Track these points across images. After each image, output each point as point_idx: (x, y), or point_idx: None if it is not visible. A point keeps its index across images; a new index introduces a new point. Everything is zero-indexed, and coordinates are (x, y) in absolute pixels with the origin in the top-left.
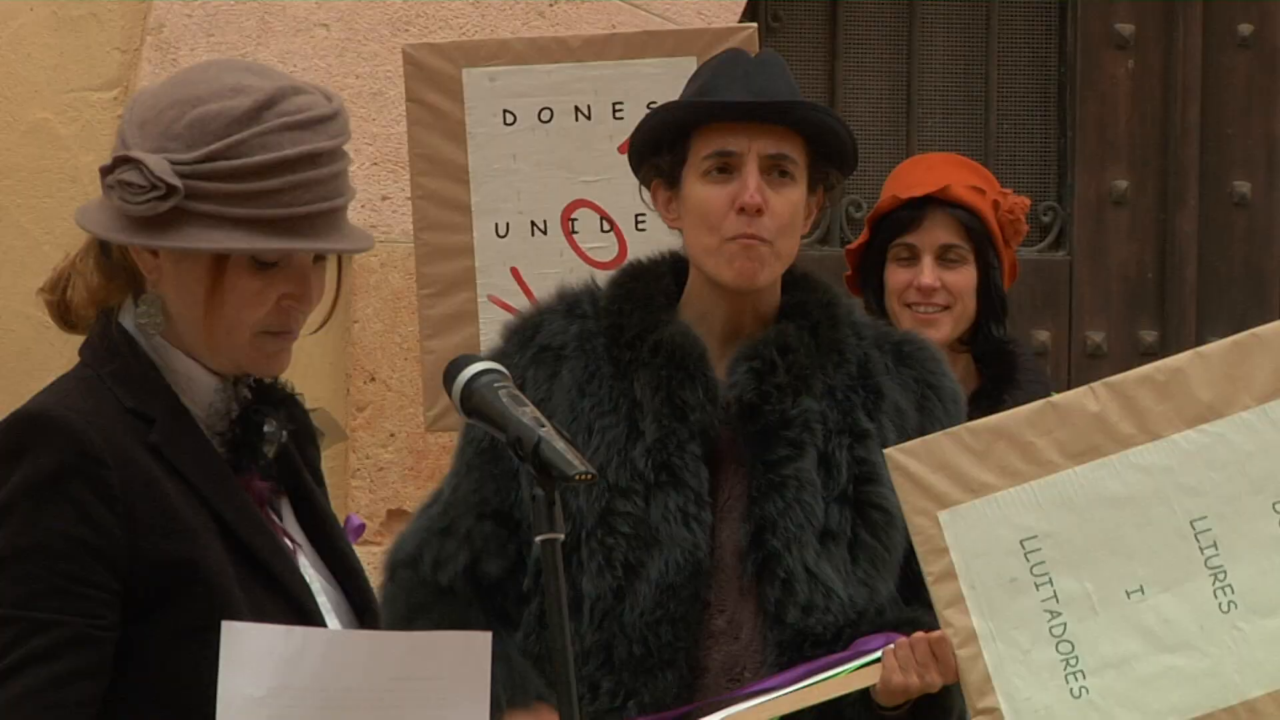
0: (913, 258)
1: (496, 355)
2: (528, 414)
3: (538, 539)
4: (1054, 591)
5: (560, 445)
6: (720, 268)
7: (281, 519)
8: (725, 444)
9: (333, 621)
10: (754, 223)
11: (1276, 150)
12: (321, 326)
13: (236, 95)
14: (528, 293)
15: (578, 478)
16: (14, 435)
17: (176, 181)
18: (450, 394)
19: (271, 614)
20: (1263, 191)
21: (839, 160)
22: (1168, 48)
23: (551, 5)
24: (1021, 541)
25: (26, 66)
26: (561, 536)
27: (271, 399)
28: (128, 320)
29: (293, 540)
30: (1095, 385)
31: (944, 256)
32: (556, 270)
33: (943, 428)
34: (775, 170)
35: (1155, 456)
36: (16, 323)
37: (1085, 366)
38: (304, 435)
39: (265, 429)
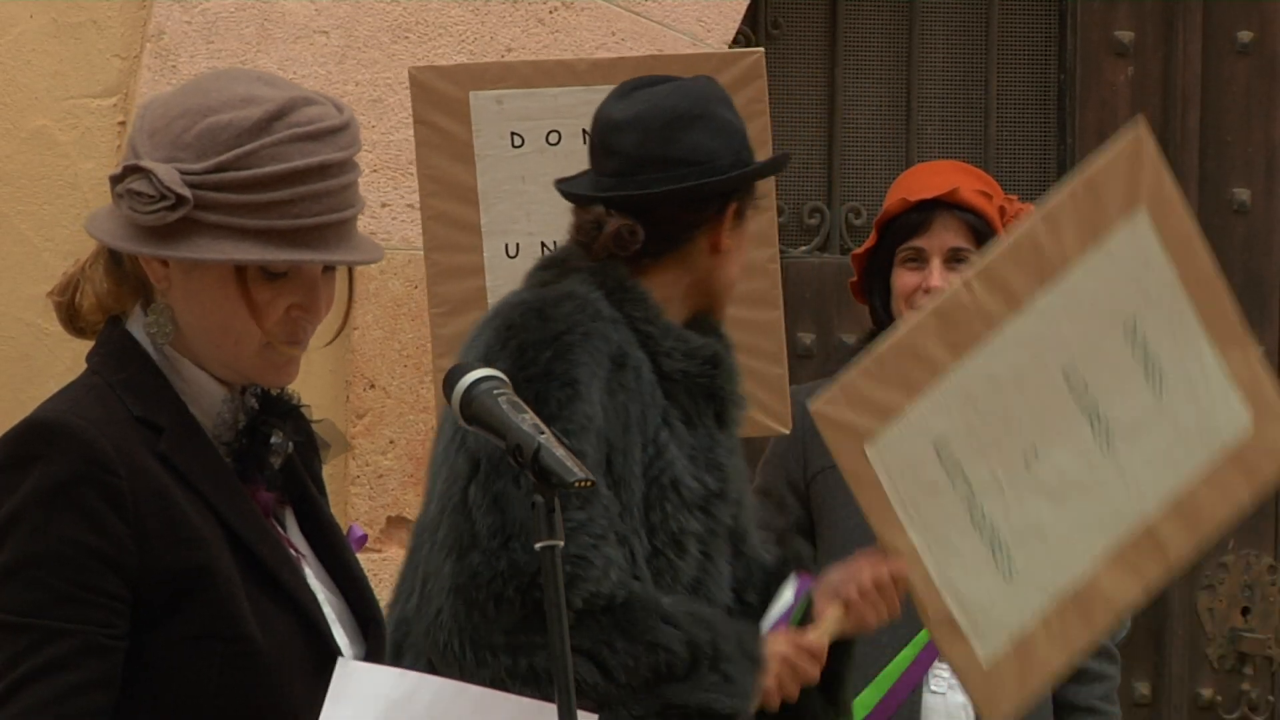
0: (921, 261)
1: (581, 371)
2: (527, 421)
3: (537, 545)
4: (968, 482)
5: (560, 452)
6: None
7: (286, 529)
8: None
9: (338, 632)
10: None
11: (1276, 157)
12: (335, 339)
13: (247, 105)
14: None
15: (576, 484)
16: (25, 442)
17: (186, 192)
18: (449, 401)
19: (278, 624)
20: (1262, 198)
21: None
22: (1167, 55)
23: (551, 12)
24: (935, 447)
25: (26, 73)
26: (561, 544)
27: (278, 410)
28: (136, 328)
29: (297, 550)
30: (969, 277)
31: (952, 260)
32: None
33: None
34: None
35: (1022, 326)
36: (16, 329)
37: None
38: (308, 446)
39: (272, 440)
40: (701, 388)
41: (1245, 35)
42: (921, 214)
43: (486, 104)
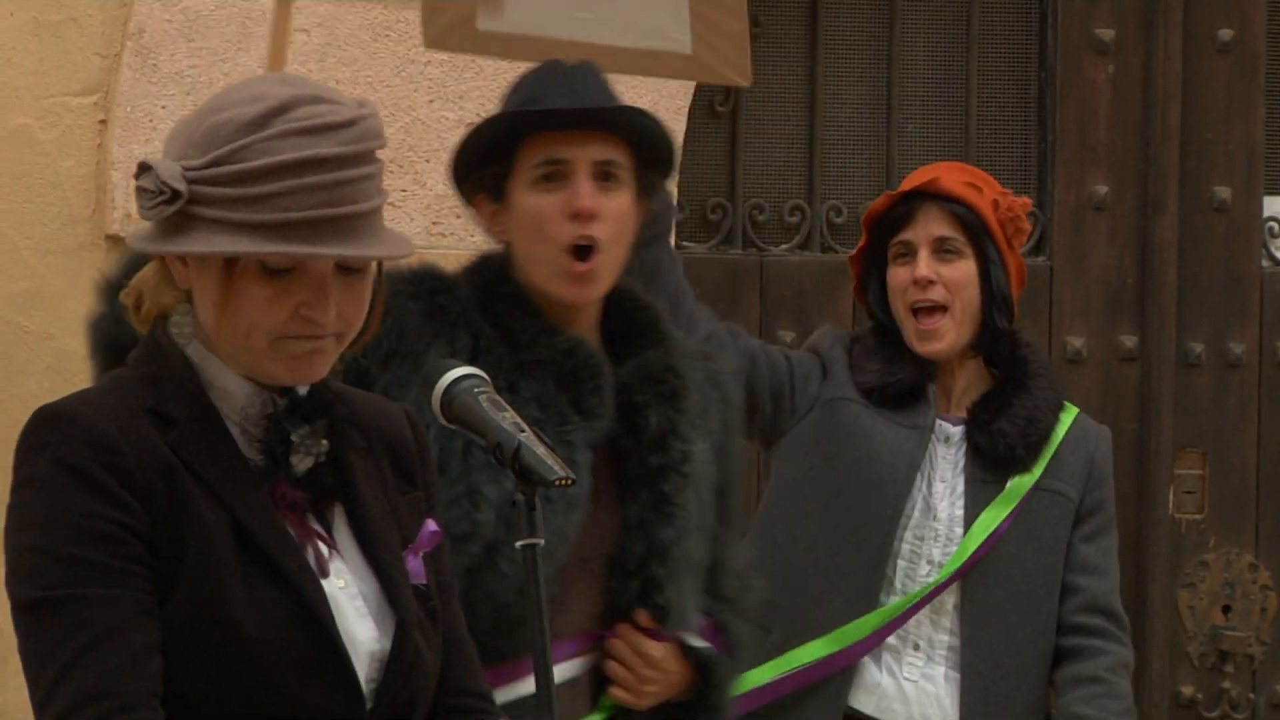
0: (910, 255)
1: (402, 284)
2: (508, 419)
3: (518, 544)
4: None
5: (540, 450)
6: (552, 281)
7: (332, 527)
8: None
9: (366, 625)
10: (588, 225)
11: (1256, 156)
12: (358, 342)
13: (253, 103)
14: None
15: (558, 482)
16: (33, 432)
17: (181, 186)
18: (430, 400)
19: (275, 614)
20: (1242, 197)
21: (662, 164)
22: (1148, 53)
23: None
24: None
25: (6, 72)
26: (541, 542)
27: (304, 409)
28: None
29: (331, 546)
30: None
31: (940, 249)
32: None
33: (731, 429)
34: (604, 176)
35: None
36: None
37: (1065, 371)
38: (368, 445)
39: (293, 438)
40: (547, 375)
41: (1226, 33)
42: (905, 206)
43: None
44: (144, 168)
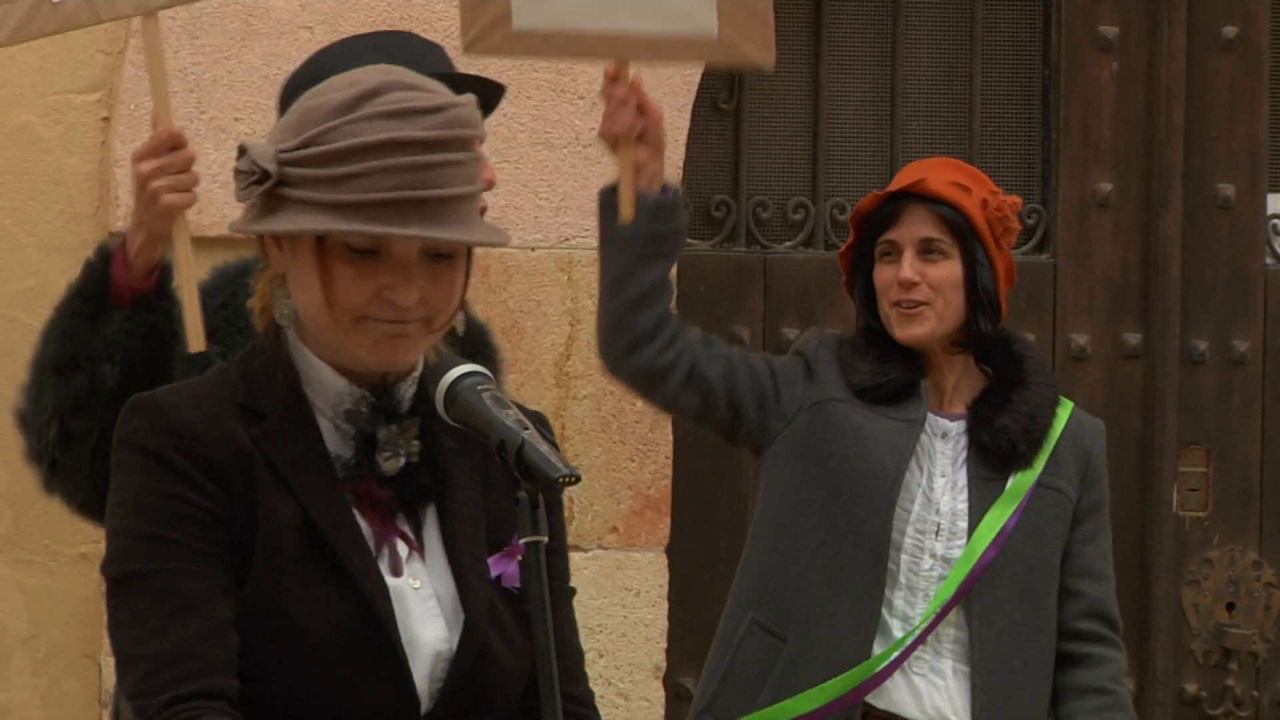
0: (895, 254)
1: None
2: (510, 417)
3: (521, 541)
4: None
5: (544, 448)
6: None
7: (423, 526)
8: None
9: (437, 625)
10: None
11: (1260, 153)
12: (445, 326)
13: (347, 88)
14: None
15: (560, 480)
16: (123, 422)
17: (271, 167)
18: (434, 397)
19: (336, 610)
20: (1246, 194)
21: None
22: (1152, 50)
23: None
24: None
25: (10, 69)
26: (546, 539)
27: (391, 409)
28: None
29: (410, 545)
30: None
31: (925, 250)
32: None
33: None
34: None
35: None
36: (1, 325)
37: (1069, 369)
38: (441, 441)
39: (379, 437)
40: None
41: (1230, 30)
42: (892, 206)
43: None
44: (241, 151)
